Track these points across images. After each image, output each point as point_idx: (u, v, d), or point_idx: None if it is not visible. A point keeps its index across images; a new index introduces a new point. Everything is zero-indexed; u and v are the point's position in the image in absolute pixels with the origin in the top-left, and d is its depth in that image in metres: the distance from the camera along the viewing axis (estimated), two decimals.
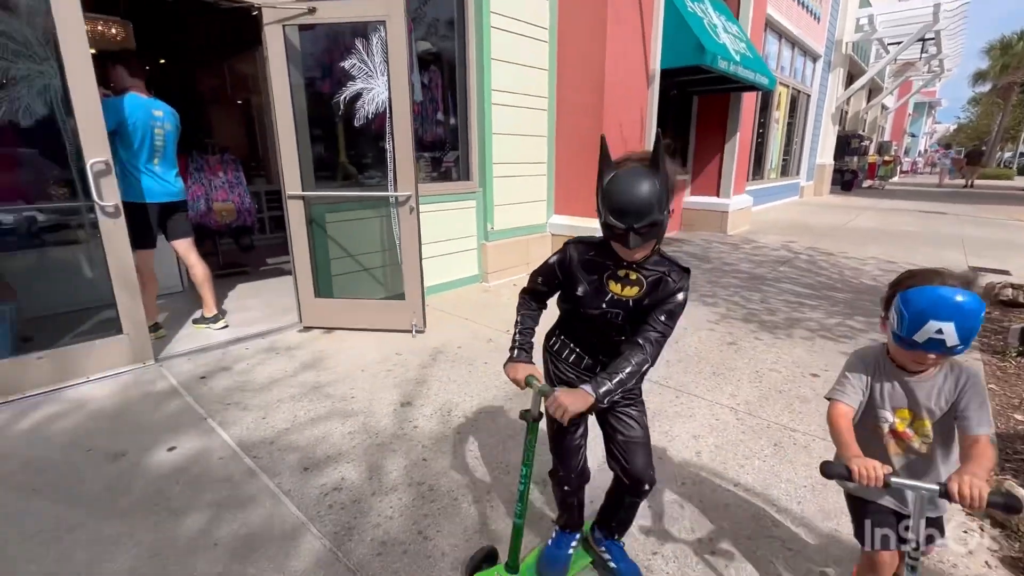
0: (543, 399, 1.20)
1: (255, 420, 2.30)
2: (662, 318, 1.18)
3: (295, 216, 3.23)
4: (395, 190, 3.21)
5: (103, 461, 1.99)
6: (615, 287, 1.22)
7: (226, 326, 3.41)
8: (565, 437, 1.39)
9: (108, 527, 1.65)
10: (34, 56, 2.38)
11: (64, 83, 2.37)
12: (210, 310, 3.37)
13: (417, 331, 3.37)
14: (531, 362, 1.33)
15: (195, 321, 3.43)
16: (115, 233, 2.62)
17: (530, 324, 1.39)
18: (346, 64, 3.11)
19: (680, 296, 1.19)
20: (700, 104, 7.88)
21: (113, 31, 4.52)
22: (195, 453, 2.05)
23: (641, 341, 1.17)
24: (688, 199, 8.09)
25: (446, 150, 4.52)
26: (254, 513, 1.73)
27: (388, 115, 3.09)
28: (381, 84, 3.09)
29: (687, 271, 1.23)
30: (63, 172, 2.66)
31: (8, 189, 2.83)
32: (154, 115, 2.99)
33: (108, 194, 2.56)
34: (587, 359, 1.36)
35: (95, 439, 2.13)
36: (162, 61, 7.79)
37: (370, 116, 3.16)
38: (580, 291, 1.25)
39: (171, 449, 2.07)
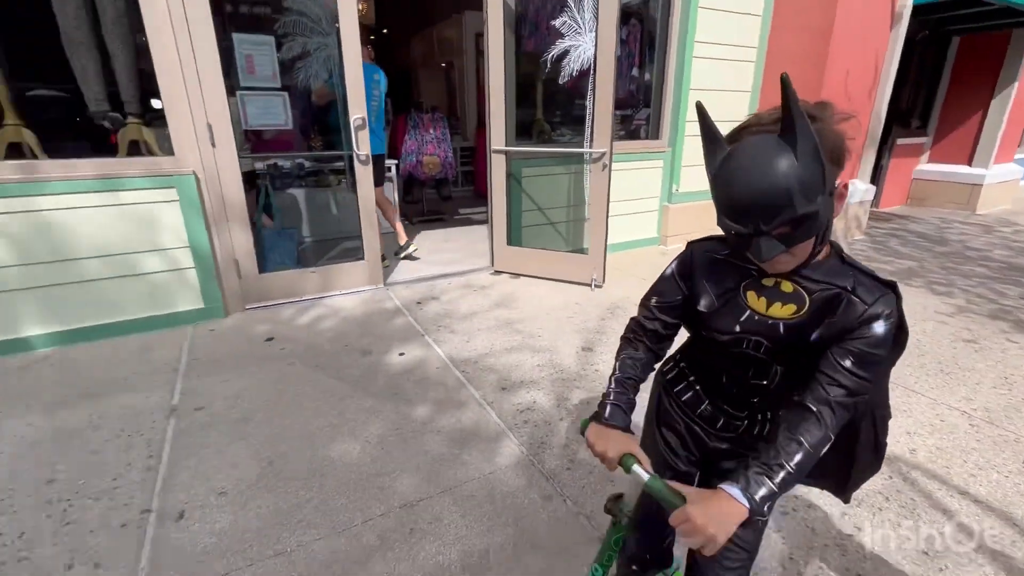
0: (653, 498, 0.76)
1: (460, 342, 2.71)
2: (848, 364, 0.75)
3: (497, 169, 3.55)
4: (591, 147, 3.31)
5: (357, 354, 2.57)
6: (757, 302, 0.83)
7: (415, 249, 4.03)
8: (658, 522, 1.00)
9: (366, 402, 2.16)
10: (322, 31, 2.98)
11: (340, 52, 2.94)
12: (402, 239, 4.01)
13: (596, 285, 3.51)
14: (629, 430, 0.88)
15: (396, 254, 4.08)
16: (364, 178, 3.22)
17: (632, 375, 0.93)
18: (557, 22, 3.23)
19: (880, 328, 0.75)
20: (961, 46, 6.27)
21: (360, 7, 5.34)
22: (418, 360, 2.52)
23: (814, 406, 0.75)
24: (922, 167, 6.66)
25: (638, 107, 4.43)
26: (465, 415, 2.09)
27: (592, 72, 3.16)
28: (588, 41, 3.16)
29: (891, 288, 0.78)
30: (326, 126, 3.35)
31: (286, 142, 3.64)
32: (374, 79, 3.53)
33: (362, 144, 3.14)
34: (707, 405, 0.97)
35: (349, 338, 2.75)
36: (384, 31, 8.89)
37: (574, 73, 3.27)
38: (703, 305, 0.89)
39: (401, 354, 2.58)
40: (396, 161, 5.15)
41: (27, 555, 1.41)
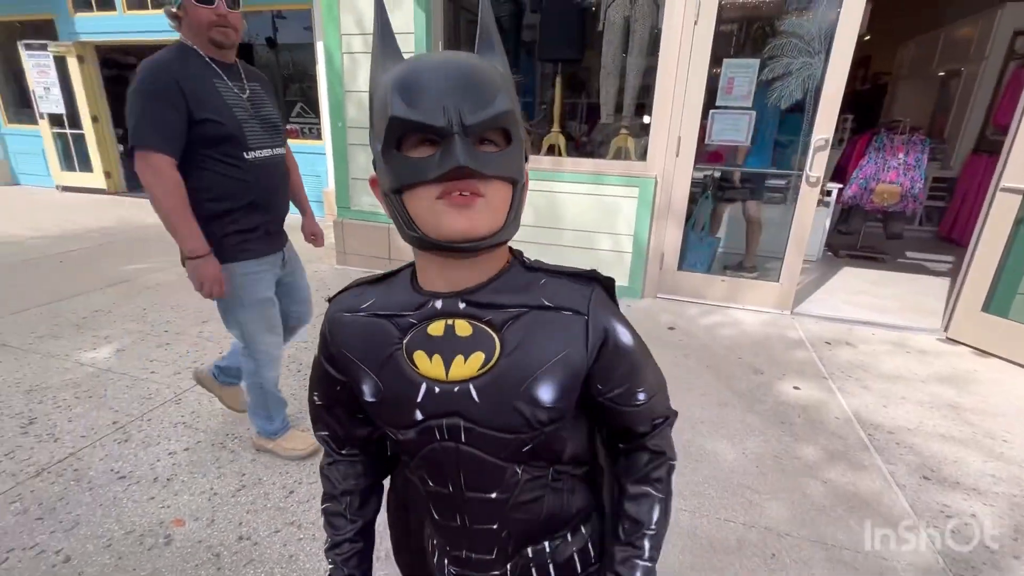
0: None
1: (874, 402, 2.32)
2: (640, 396, 0.60)
3: (1001, 212, 2.71)
4: None
5: (748, 370, 2.59)
6: (430, 366, 0.56)
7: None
8: None
9: (748, 417, 2.19)
10: (810, 51, 2.96)
11: (824, 70, 2.85)
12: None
13: None
14: None
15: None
16: (807, 199, 3.08)
17: (352, 521, 0.70)
18: None
19: (623, 335, 0.57)
20: None
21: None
22: (815, 401, 2.32)
23: (640, 488, 0.63)
24: None
25: None
26: (862, 481, 1.82)
27: None
28: None
29: (594, 278, 0.58)
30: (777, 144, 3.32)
31: (728, 156, 3.80)
32: None
33: (816, 167, 2.99)
34: (447, 565, 0.66)
35: (744, 352, 2.79)
36: (867, 37, 7.82)
37: None
38: (368, 393, 0.59)
39: (796, 388, 2.44)
40: (839, 185, 4.62)
41: None
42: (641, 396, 0.60)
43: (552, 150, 3.75)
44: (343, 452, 0.70)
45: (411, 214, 0.50)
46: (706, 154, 3.61)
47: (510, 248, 0.60)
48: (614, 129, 3.77)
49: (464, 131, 0.46)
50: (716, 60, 3.07)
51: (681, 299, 3.49)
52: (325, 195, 5.36)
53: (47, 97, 6.34)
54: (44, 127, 6.55)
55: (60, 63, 6.17)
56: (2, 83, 6.91)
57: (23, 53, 6.17)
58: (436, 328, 0.55)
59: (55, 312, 3.00)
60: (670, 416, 0.66)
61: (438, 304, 0.55)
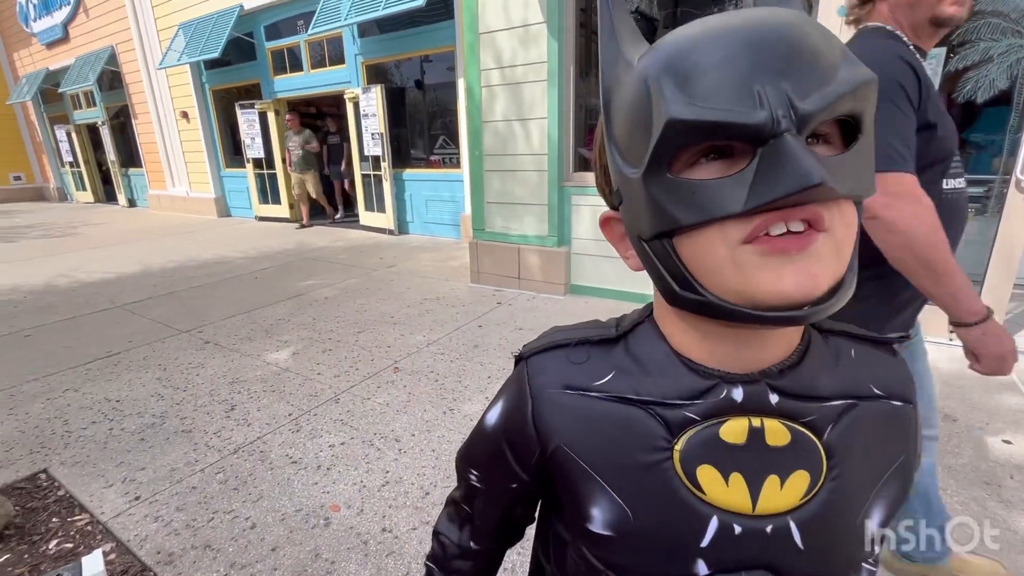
0: None
1: None
2: (878, 518, 0.36)
3: None
4: None
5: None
6: (727, 490, 0.34)
7: None
8: None
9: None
10: (1020, 30, 2.44)
11: None
12: None
13: None
14: None
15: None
16: (1017, 209, 2.51)
17: None
18: None
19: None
20: None
21: None
22: None
23: None
24: None
25: None
26: None
27: None
28: None
29: (888, 342, 0.40)
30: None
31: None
32: None
33: None
34: None
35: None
36: None
37: None
38: (600, 521, 0.36)
39: (1007, 442, 1.96)
40: None
41: None
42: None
43: None
44: (472, 545, 0.53)
45: (690, 267, 0.33)
46: None
47: None
48: None
49: (798, 126, 0.28)
50: None
51: None
52: (463, 219, 5.77)
53: (252, 145, 7.83)
54: (249, 169, 8.08)
55: (262, 117, 7.60)
56: (224, 136, 8.72)
57: (238, 111, 7.73)
58: (734, 431, 0.36)
59: (251, 319, 3.65)
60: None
61: (737, 394, 0.36)
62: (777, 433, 0.35)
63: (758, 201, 0.28)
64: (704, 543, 0.36)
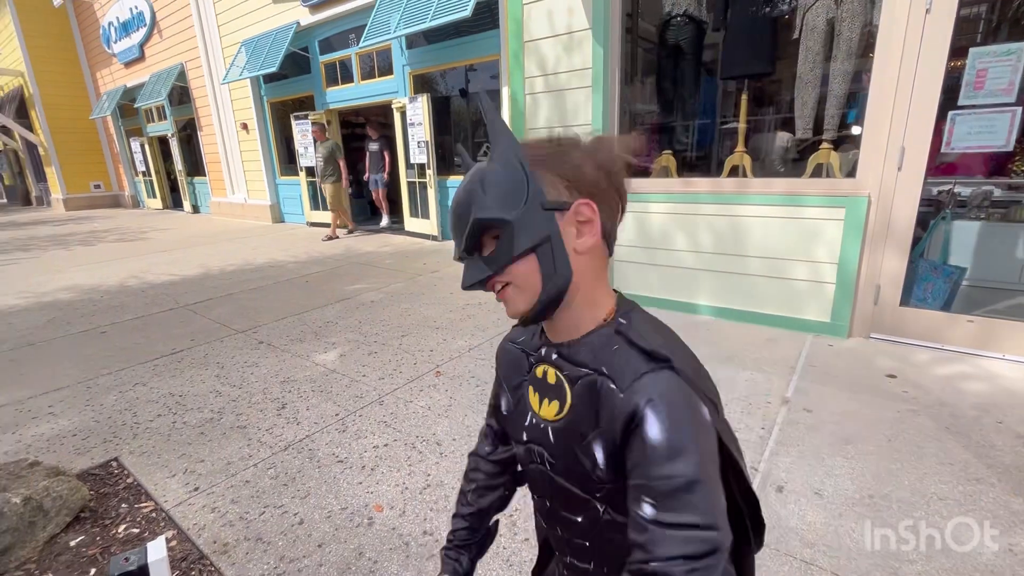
0: None
1: None
2: (646, 511, 0.47)
3: None
4: None
5: (1013, 438, 1.99)
6: (533, 399, 0.66)
7: None
8: None
9: (1017, 503, 1.66)
10: None
11: None
12: None
13: None
14: None
15: None
16: None
17: (470, 504, 0.80)
18: None
19: (652, 429, 0.48)
20: None
21: None
22: None
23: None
24: None
25: None
26: None
27: None
28: None
29: (665, 362, 0.51)
30: None
31: (972, 166, 3.02)
32: None
33: None
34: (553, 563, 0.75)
35: (1005, 414, 2.15)
36: None
37: None
38: (503, 407, 0.73)
39: None
40: None
41: None
42: (647, 510, 0.47)
43: (736, 171, 3.48)
44: (496, 449, 0.81)
45: None
46: (939, 165, 2.95)
47: (621, 303, 0.60)
48: (811, 144, 3.33)
49: (463, 257, 0.59)
50: (954, 52, 2.52)
51: (905, 341, 2.86)
52: None
53: (305, 154, 8.18)
54: (302, 177, 8.44)
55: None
56: (280, 145, 9.17)
57: (292, 122, 8.11)
58: (539, 371, 0.64)
59: (302, 320, 3.80)
60: (697, 568, 0.45)
61: (543, 351, 0.64)
62: (551, 376, 0.62)
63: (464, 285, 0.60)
64: (525, 423, 0.66)
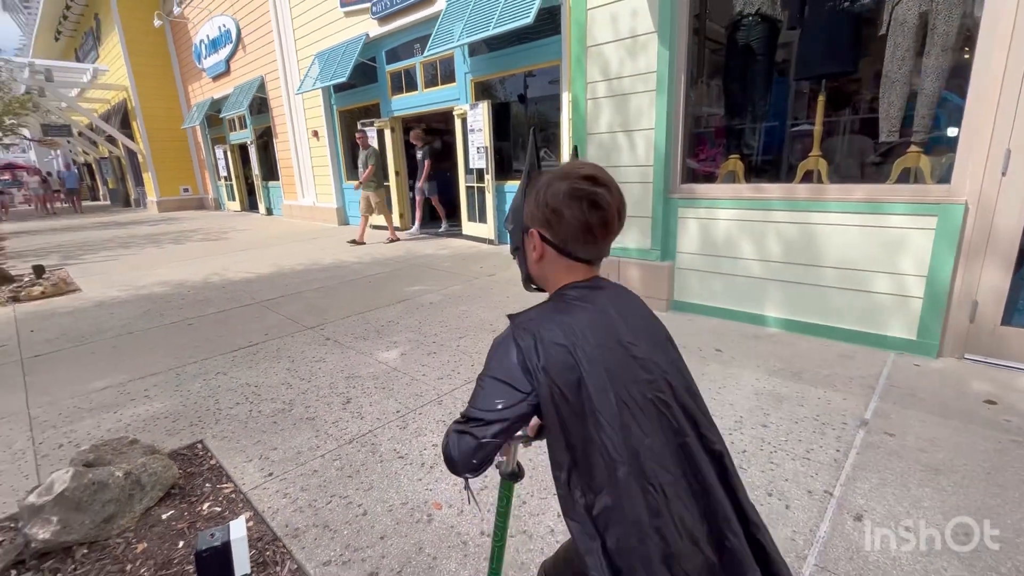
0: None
1: None
2: None
3: None
4: None
5: None
6: None
7: None
8: None
9: None
10: None
11: None
12: None
13: None
14: None
15: None
16: None
17: None
18: None
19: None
20: None
21: None
22: None
23: None
24: None
25: None
26: None
27: None
28: None
29: (512, 319, 0.88)
30: None
31: None
32: None
33: None
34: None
35: None
36: None
37: None
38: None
39: None
40: None
41: (743, 466, 1.95)
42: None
43: (809, 176, 3.29)
44: None
45: None
46: None
47: (557, 295, 0.90)
48: (894, 147, 3.09)
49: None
50: None
51: (1006, 364, 2.59)
52: None
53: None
54: None
55: (380, 134, 8.28)
56: (347, 151, 9.64)
57: (359, 129, 8.51)
58: None
59: (366, 319, 3.97)
60: (456, 429, 0.87)
61: None
62: None
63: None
64: None
